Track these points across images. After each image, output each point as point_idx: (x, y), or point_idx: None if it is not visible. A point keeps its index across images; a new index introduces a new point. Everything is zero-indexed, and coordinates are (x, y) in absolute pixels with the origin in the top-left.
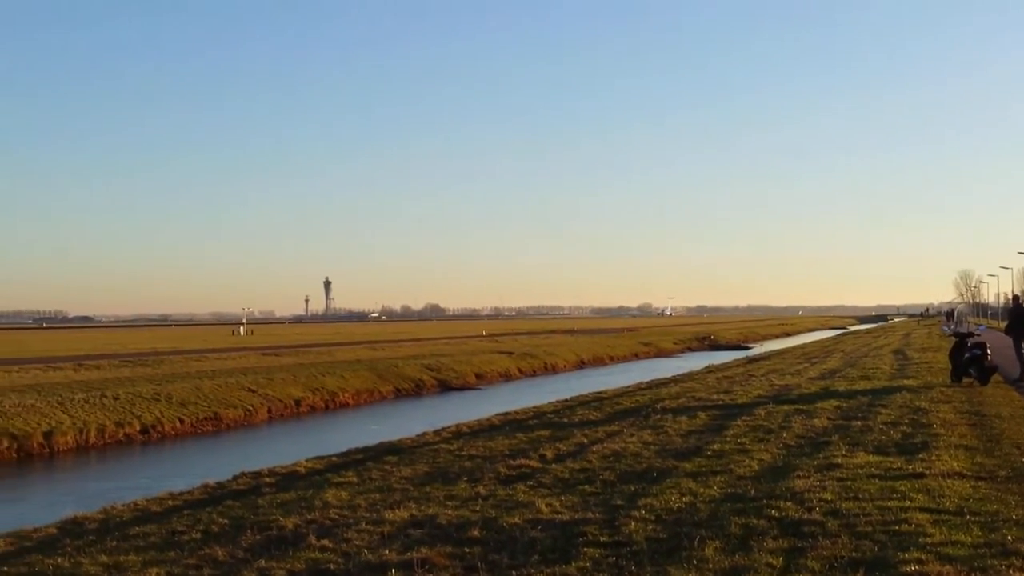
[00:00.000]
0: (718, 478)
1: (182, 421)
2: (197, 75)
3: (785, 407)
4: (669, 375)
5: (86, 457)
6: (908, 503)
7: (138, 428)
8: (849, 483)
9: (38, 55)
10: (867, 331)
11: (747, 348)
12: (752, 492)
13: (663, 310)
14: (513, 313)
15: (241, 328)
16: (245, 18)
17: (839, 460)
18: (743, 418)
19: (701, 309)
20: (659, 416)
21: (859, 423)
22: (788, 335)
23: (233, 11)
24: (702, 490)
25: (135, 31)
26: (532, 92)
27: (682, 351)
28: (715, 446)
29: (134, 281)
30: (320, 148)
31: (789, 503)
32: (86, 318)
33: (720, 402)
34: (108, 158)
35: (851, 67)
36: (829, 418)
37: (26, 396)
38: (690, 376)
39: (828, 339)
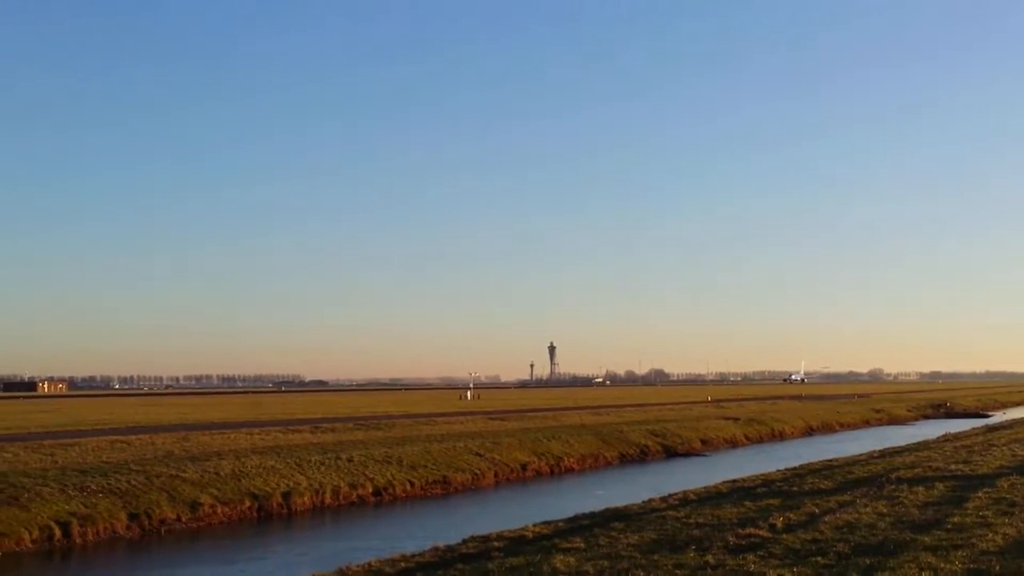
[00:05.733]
0: (959, 553)
1: (412, 484)
2: (453, 162)
3: None
4: (903, 443)
5: (321, 517)
6: None
7: (370, 490)
8: None
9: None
10: None
11: (986, 416)
12: (997, 568)
13: (791, 376)
14: (738, 378)
15: (468, 392)
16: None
17: None
18: (984, 490)
19: (935, 375)
20: (894, 486)
21: None
22: None
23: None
24: (943, 565)
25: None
26: (769, 166)
27: (916, 419)
28: (955, 519)
29: (366, 347)
30: (547, 221)
31: None
32: (321, 382)
33: (959, 472)
34: (350, 238)
35: None
36: None
37: (267, 458)
38: (925, 445)
39: None
